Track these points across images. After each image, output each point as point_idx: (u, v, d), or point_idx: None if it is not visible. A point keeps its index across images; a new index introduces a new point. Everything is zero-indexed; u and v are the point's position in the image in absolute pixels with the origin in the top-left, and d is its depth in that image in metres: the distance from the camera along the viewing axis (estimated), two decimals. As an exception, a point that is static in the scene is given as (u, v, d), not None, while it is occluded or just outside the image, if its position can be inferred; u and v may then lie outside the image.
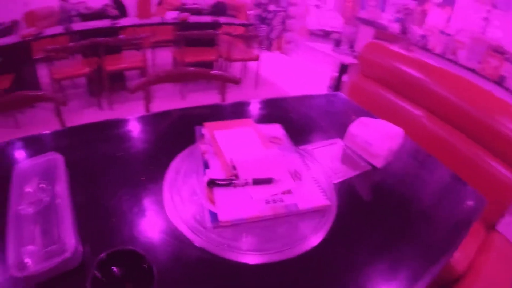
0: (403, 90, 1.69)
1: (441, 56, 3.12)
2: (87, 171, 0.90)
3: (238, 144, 0.97)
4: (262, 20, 5.58)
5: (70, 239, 0.63)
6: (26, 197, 0.73)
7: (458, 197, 1.00)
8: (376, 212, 0.87)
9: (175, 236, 0.71)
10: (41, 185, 0.77)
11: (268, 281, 0.65)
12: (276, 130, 1.10)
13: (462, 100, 1.41)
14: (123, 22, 3.83)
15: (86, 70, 3.24)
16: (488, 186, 1.33)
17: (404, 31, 3.39)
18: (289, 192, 0.81)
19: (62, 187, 0.76)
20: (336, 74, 3.42)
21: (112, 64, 3.34)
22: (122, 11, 4.82)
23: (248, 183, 0.81)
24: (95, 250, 0.66)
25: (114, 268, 0.57)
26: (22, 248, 0.61)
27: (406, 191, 0.98)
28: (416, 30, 3.29)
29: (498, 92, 2.58)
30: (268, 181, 0.82)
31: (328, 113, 1.34)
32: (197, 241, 0.69)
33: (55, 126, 1.36)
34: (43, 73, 3.62)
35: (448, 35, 3.02)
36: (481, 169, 1.36)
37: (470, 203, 0.97)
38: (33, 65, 3.70)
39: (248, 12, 5.62)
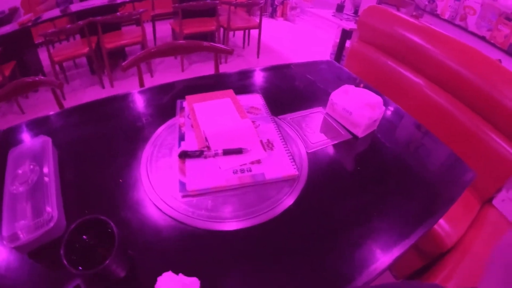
0: (404, 56, 1.63)
1: (450, 22, 2.98)
2: (76, 150, 0.95)
3: (215, 115, 0.98)
4: (265, -14, 5.42)
5: (54, 211, 0.70)
6: (18, 177, 0.80)
7: (445, 170, 0.96)
8: (351, 182, 0.85)
9: (149, 206, 0.76)
10: (31, 166, 0.83)
11: (229, 246, 0.68)
12: (256, 100, 1.10)
13: (466, 69, 1.33)
14: (120, -2, 3.78)
15: (85, 49, 3.24)
16: (486, 160, 1.31)
17: None
18: (258, 162, 0.82)
19: (49, 167, 0.82)
20: (338, 41, 3.33)
21: (111, 42, 3.33)
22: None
23: (218, 154, 0.82)
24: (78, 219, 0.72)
25: (84, 236, 0.62)
26: (15, 223, 0.69)
27: (387, 162, 0.94)
28: None
29: (507, 62, 2.46)
30: (238, 151, 0.83)
31: (316, 82, 1.32)
32: (168, 211, 0.74)
33: (57, 107, 1.40)
34: (44, 56, 3.65)
35: (458, 0, 2.88)
36: (480, 141, 1.32)
37: (457, 176, 0.93)
38: (35, 50, 3.74)
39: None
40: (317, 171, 0.86)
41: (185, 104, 1.05)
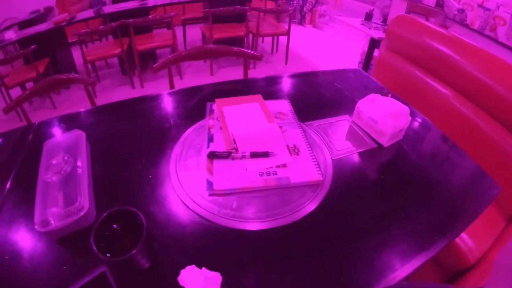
0: (431, 67, 1.61)
1: (479, 32, 2.91)
2: (108, 146, 1.01)
3: (243, 119, 1.02)
4: (294, -7, 5.46)
5: (85, 201, 0.74)
6: (52, 168, 0.85)
7: (469, 183, 0.94)
8: (374, 190, 0.86)
9: (176, 202, 0.80)
10: (65, 158, 0.88)
11: (251, 245, 0.71)
12: (283, 105, 1.12)
13: (494, 81, 1.29)
14: (152, 1, 3.90)
15: (117, 50, 3.36)
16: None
17: (440, 4, 3.17)
18: (284, 166, 0.84)
19: (82, 160, 0.87)
20: (366, 49, 3.32)
21: (142, 44, 3.43)
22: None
23: (246, 156, 0.85)
24: (108, 211, 0.76)
25: (114, 225, 0.66)
26: (47, 210, 0.73)
27: (411, 172, 0.93)
28: (453, 4, 3.06)
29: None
30: (264, 154, 0.86)
31: (343, 90, 1.33)
32: (194, 207, 0.77)
33: (88, 104, 1.47)
34: (77, 55, 3.81)
35: (488, 9, 2.81)
36: (507, 155, 1.27)
37: (481, 190, 0.90)
38: (68, 48, 3.92)
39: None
40: (341, 178, 0.87)
41: (214, 106, 1.08)
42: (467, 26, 3.00)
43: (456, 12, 3.03)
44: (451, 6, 3.07)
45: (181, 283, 0.61)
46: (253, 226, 0.73)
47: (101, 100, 1.52)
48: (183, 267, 0.63)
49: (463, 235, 1.21)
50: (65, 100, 3.51)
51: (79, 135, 0.96)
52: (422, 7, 3.29)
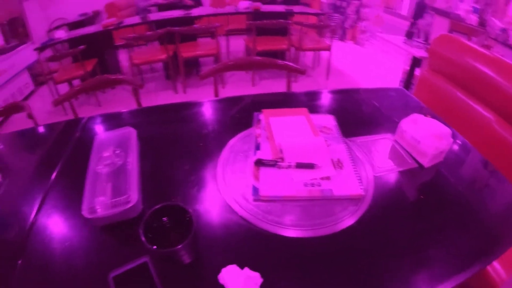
0: (474, 89, 1.58)
1: (523, 54, 2.83)
2: (155, 145, 1.08)
3: (289, 130, 1.07)
4: (336, 9, 5.49)
5: (134, 194, 0.80)
6: (103, 160, 0.93)
7: (507, 210, 0.92)
8: (412, 209, 0.87)
9: (221, 204, 0.85)
10: (117, 151, 0.95)
11: (290, 252, 0.73)
12: (328, 120, 1.16)
13: None
14: (197, 11, 4.06)
15: (163, 56, 3.53)
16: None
17: (482, 23, 3.10)
18: (328, 178, 0.88)
19: (133, 155, 0.94)
20: (408, 68, 3.29)
21: (187, 51, 3.58)
22: (197, 1, 5.09)
23: (291, 166, 0.90)
24: (153, 206, 0.81)
25: (164, 218, 0.71)
26: (95, 198, 0.79)
27: (450, 195, 0.93)
28: (496, 23, 2.99)
29: None
30: (310, 166, 0.90)
31: (385, 108, 1.35)
32: (238, 210, 0.82)
33: (132, 105, 1.58)
34: (123, 57, 4.03)
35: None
36: None
37: None
38: (115, 51, 4.16)
39: (321, 1, 5.58)
40: (381, 195, 0.88)
41: (261, 117, 1.14)
42: (510, 46, 2.92)
43: (498, 32, 2.95)
44: (493, 25, 3.00)
45: (221, 281, 0.63)
46: (294, 233, 0.76)
47: (144, 102, 1.62)
48: (223, 265, 0.66)
49: (495, 263, 1.18)
50: (110, 99, 3.71)
51: (130, 132, 1.04)
52: (465, 26, 3.22)
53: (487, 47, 2.94)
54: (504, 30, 2.91)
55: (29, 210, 0.85)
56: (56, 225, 0.81)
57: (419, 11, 4.06)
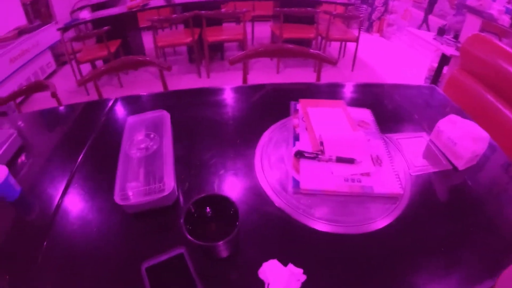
0: (505, 92, 1.55)
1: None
2: (188, 129, 1.07)
3: (328, 122, 1.07)
4: (364, 0, 5.39)
5: (170, 181, 0.77)
6: (136, 143, 0.90)
7: None
8: (447, 212, 0.86)
9: (259, 194, 0.84)
10: (151, 135, 0.93)
11: (329, 249, 0.73)
12: (365, 114, 1.16)
13: None
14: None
15: (188, 39, 3.53)
16: None
17: None
18: (367, 174, 0.88)
19: (167, 139, 0.92)
20: (436, 65, 3.23)
21: (213, 36, 3.57)
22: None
23: (332, 159, 0.90)
24: (187, 194, 0.82)
25: (207, 208, 0.70)
26: (127, 184, 0.77)
27: (483, 199, 0.92)
28: None
29: None
30: (350, 161, 0.90)
31: (420, 106, 1.33)
32: (277, 202, 0.82)
33: (155, 87, 1.58)
34: (147, 39, 4.04)
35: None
36: None
37: None
38: (139, 33, 4.19)
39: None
40: (417, 194, 0.88)
41: (299, 106, 1.15)
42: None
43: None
44: (525, 27, 2.90)
45: (261, 275, 0.62)
46: (332, 228, 0.76)
47: (168, 85, 1.62)
48: (262, 259, 0.64)
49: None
50: (132, 81, 3.74)
51: (164, 115, 1.01)
52: (496, 26, 3.12)
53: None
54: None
55: (55, 192, 0.84)
56: (83, 208, 0.80)
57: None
